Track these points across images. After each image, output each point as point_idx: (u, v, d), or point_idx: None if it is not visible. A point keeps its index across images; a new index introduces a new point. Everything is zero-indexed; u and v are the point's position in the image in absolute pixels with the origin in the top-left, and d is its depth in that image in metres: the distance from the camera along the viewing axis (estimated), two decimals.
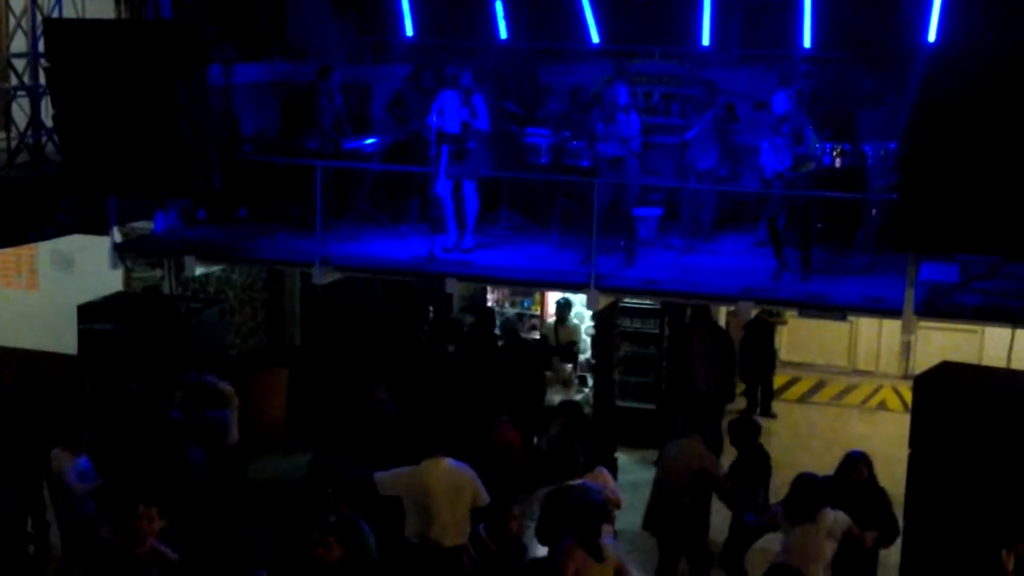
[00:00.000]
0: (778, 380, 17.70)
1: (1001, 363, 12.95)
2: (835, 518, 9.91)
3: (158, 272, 15.30)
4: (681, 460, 11.34)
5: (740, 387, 16.74)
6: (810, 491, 9.96)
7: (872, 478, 10.79)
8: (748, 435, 11.67)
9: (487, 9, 15.57)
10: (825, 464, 11.33)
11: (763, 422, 16.09)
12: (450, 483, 10.27)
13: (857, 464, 10.75)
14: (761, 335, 16.58)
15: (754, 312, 13.12)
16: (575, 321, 16.54)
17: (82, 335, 14.08)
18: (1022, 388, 11.09)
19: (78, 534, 11.19)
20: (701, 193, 14.07)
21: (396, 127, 14.86)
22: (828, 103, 14.29)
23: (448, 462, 10.35)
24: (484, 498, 10.32)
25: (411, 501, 10.30)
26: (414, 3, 15.78)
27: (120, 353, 13.70)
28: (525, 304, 17.02)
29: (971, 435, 10.86)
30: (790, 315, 16.31)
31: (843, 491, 10.37)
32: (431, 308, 16.30)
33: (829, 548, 9.86)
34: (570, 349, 16.42)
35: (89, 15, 14.09)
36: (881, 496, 10.68)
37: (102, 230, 13.92)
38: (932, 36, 13.04)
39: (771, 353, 16.93)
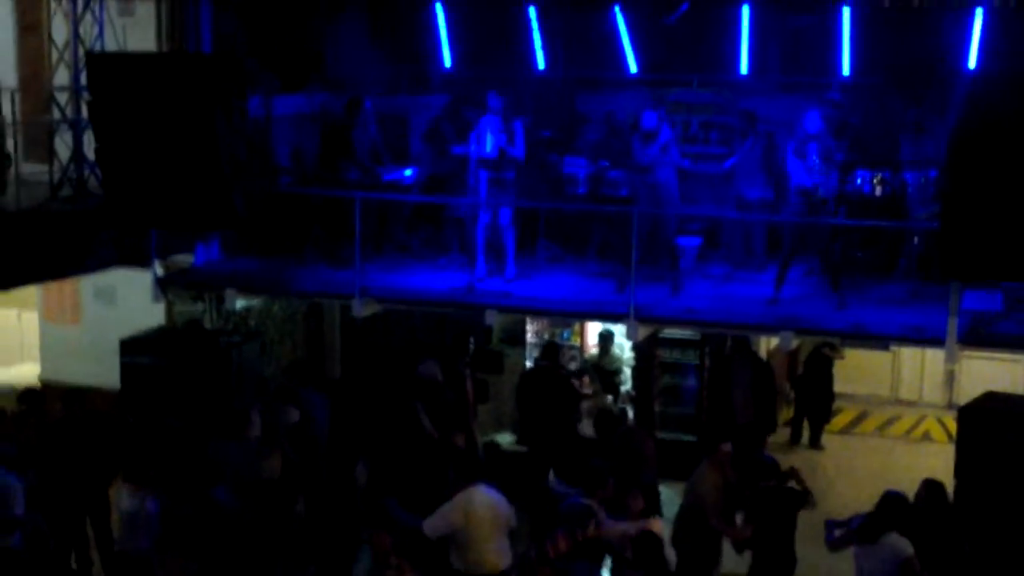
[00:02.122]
0: None
1: None
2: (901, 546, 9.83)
3: (200, 306, 15.33)
4: (692, 484, 11.54)
5: (785, 416, 16.67)
6: (893, 509, 9.92)
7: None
8: (766, 474, 11.58)
9: (524, 39, 15.62)
10: (869, 496, 11.18)
11: (809, 455, 16.14)
12: (491, 509, 10.39)
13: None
14: (819, 369, 16.50)
15: (795, 343, 13.02)
16: (616, 352, 16.46)
17: (125, 369, 14.11)
18: None
19: (129, 571, 11.18)
20: (752, 223, 14.01)
21: (433, 157, 14.88)
22: (863, 131, 14.21)
23: (484, 489, 10.40)
24: (515, 521, 10.48)
25: (457, 533, 10.32)
26: (452, 34, 15.86)
27: (163, 387, 13.73)
28: (564, 335, 16.98)
29: (1017, 465, 10.73)
30: None
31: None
32: (472, 340, 16.27)
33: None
34: (612, 380, 16.35)
35: (131, 48, 14.24)
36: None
37: (144, 263, 14.00)
38: (972, 63, 12.96)
39: (829, 387, 16.82)
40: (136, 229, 13.42)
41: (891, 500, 10.16)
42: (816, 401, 16.74)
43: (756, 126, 14.09)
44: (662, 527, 10.85)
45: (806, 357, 16.38)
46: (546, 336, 17.04)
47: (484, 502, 10.42)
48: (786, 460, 14.06)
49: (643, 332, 13.04)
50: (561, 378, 14.65)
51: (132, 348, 14.16)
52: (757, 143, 13.94)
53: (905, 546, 9.84)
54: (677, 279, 13.32)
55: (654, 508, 11.59)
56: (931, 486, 10.78)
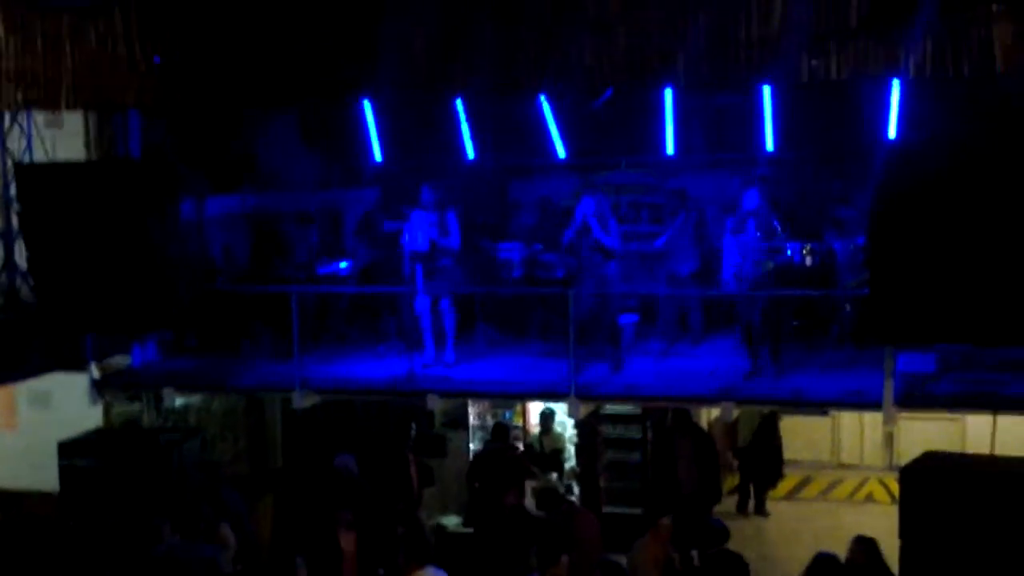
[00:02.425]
0: None
1: (984, 449, 13.01)
2: None
3: (137, 405, 15.22)
4: (632, 556, 11.66)
5: (730, 484, 16.75)
6: (824, 571, 10.01)
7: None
8: (713, 539, 11.70)
9: (454, 131, 15.80)
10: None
11: (756, 521, 16.23)
12: None
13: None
14: (768, 435, 16.63)
15: (735, 413, 13.19)
16: (558, 430, 16.50)
17: (63, 472, 13.94)
18: (1006, 474, 11.12)
19: None
20: (687, 298, 14.19)
21: (368, 248, 14.96)
22: (790, 204, 14.50)
23: (433, 571, 10.39)
24: None
25: None
26: (381, 128, 15.99)
27: (102, 489, 13.58)
28: (506, 416, 16.97)
29: (960, 523, 10.86)
30: None
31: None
32: (414, 424, 16.26)
33: None
34: (556, 458, 16.37)
35: (60, 156, 14.25)
36: None
37: (80, 367, 13.89)
38: (892, 132, 13.27)
39: (778, 453, 16.96)
40: (70, 334, 13.33)
41: (822, 561, 10.32)
42: (763, 467, 16.83)
43: (687, 203, 14.31)
44: None
45: (757, 424, 16.47)
46: (489, 418, 17.05)
47: None
48: (734, 527, 14.32)
49: (584, 410, 13.12)
50: (514, 459, 14.70)
51: (70, 450, 14.00)
52: (688, 220, 14.16)
53: None
54: (618, 356, 13.43)
55: None
56: (865, 543, 10.96)
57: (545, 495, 13.29)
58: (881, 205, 10.99)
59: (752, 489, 16.98)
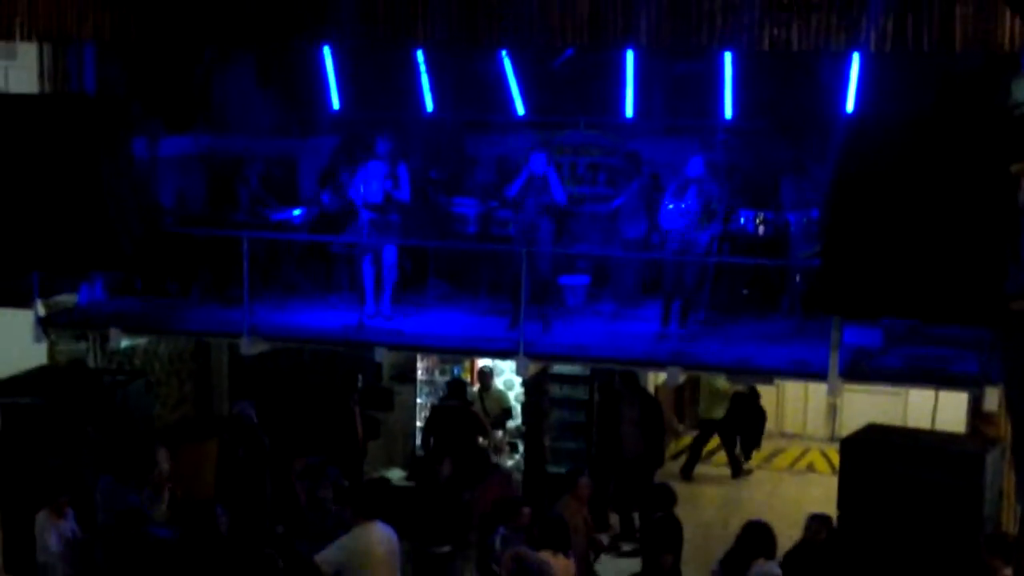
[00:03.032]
0: (710, 444, 17.83)
1: (926, 424, 13.17)
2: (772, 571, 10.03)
3: (83, 345, 15.11)
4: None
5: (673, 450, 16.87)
6: (756, 538, 10.13)
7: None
8: (662, 502, 11.80)
9: (413, 82, 15.73)
10: None
11: (692, 487, 16.38)
12: (388, 545, 10.38)
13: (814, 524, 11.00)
14: (749, 403, 16.80)
15: (682, 378, 13.25)
16: (499, 387, 16.52)
17: (4, 410, 13.82)
18: (945, 449, 11.26)
19: None
20: (633, 262, 14.21)
21: (330, 198, 14.87)
22: (746, 173, 14.54)
23: (380, 526, 10.39)
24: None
25: (351, 570, 10.27)
26: (340, 76, 15.87)
27: (43, 427, 13.48)
28: (455, 372, 16.99)
29: (898, 497, 10.99)
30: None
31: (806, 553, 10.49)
32: (360, 377, 16.24)
33: None
34: (503, 416, 16.41)
35: (12, 90, 14.06)
36: None
37: (25, 304, 13.75)
38: (850, 105, 13.31)
39: (759, 420, 17.18)
40: (17, 271, 13.18)
41: (754, 528, 10.46)
42: (745, 434, 17.05)
43: (640, 167, 14.31)
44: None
45: (734, 395, 16.66)
46: (437, 373, 17.06)
47: (382, 539, 10.39)
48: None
49: (533, 368, 13.13)
50: (472, 415, 14.75)
51: (12, 388, 13.88)
52: (641, 184, 14.15)
53: (775, 570, 10.07)
54: (547, 317, 13.42)
55: None
56: (822, 520, 11.08)
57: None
58: (838, 178, 11.04)
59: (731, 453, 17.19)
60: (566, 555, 10.57)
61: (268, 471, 13.22)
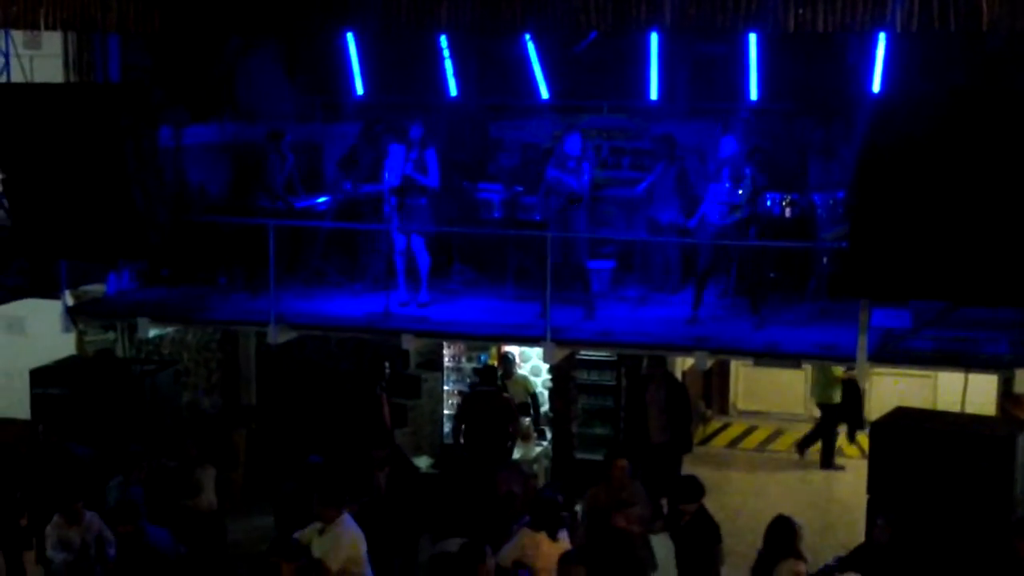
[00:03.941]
0: (735, 429, 17.73)
1: (955, 407, 13.07)
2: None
3: (111, 335, 15.16)
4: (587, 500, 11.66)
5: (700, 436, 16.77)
6: (783, 534, 10.01)
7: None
8: (691, 494, 11.64)
9: (437, 67, 15.72)
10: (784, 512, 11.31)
11: (724, 472, 16.28)
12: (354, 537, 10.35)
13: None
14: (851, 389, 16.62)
15: (709, 363, 13.16)
16: (522, 373, 16.47)
17: (35, 400, 13.91)
18: (975, 432, 11.19)
19: None
20: (666, 246, 14.16)
21: (349, 182, 14.87)
22: (769, 154, 14.45)
23: (347, 517, 10.34)
24: None
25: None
26: (364, 63, 15.87)
27: (74, 417, 13.54)
28: (482, 359, 16.96)
29: (928, 480, 10.93)
30: (745, 364, 16.37)
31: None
32: (387, 364, 16.24)
33: None
34: (531, 402, 16.39)
35: (38, 79, 14.09)
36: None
37: (53, 293, 13.82)
38: (877, 86, 13.22)
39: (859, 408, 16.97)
40: (45, 260, 13.24)
41: (778, 526, 10.26)
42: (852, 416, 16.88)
43: (674, 151, 14.23)
44: None
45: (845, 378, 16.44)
46: (464, 360, 17.04)
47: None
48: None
49: (559, 354, 13.11)
50: (505, 401, 14.71)
51: (43, 378, 13.98)
52: (671, 168, 14.08)
53: (802, 568, 9.97)
54: (591, 302, 13.39)
55: None
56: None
57: None
58: (865, 159, 10.98)
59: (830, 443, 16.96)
60: (553, 537, 10.40)
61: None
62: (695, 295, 13.22)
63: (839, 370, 16.09)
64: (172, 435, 12.91)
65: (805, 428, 18.20)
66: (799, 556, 10.05)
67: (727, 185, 12.95)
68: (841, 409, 16.74)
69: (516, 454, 14.80)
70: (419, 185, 13.51)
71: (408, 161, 13.42)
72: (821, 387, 16.86)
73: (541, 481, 15.59)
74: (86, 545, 10.85)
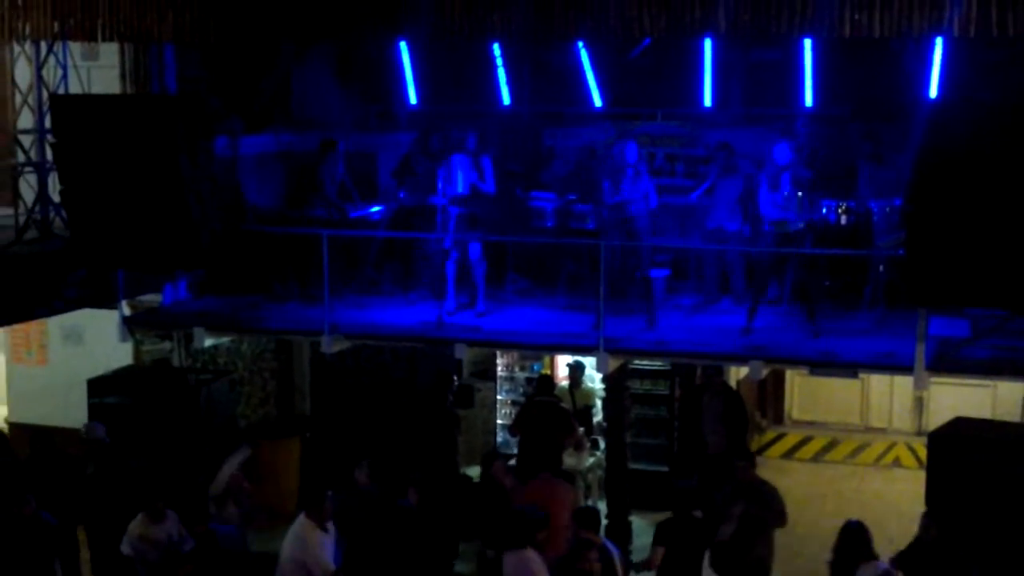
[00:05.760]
0: (790, 439, 17.58)
1: (1015, 417, 12.91)
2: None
3: (167, 345, 15.30)
4: None
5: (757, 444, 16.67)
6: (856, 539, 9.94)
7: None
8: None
9: (490, 76, 15.75)
10: (839, 523, 11.22)
11: (781, 481, 16.11)
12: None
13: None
14: None
15: (764, 372, 13.08)
16: (589, 384, 16.45)
17: (92, 409, 14.03)
18: None
19: None
20: (729, 256, 14.07)
21: (403, 190, 14.91)
22: (825, 160, 14.34)
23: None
24: None
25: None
26: (417, 72, 15.93)
27: (131, 427, 13.65)
28: (535, 368, 16.96)
29: (986, 491, 10.79)
30: (800, 374, 16.22)
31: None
32: (456, 378, 16.23)
33: None
34: (586, 412, 16.33)
35: (95, 91, 14.26)
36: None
37: (111, 304, 13.94)
38: (933, 92, 13.09)
39: None
40: (102, 270, 13.36)
41: (851, 530, 10.21)
42: None
43: (734, 159, 14.13)
44: None
45: None
46: (517, 369, 17.03)
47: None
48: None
49: (613, 364, 13.05)
50: (563, 411, 14.68)
51: (100, 388, 14.12)
52: (736, 177, 13.98)
53: (883, 567, 9.88)
54: (652, 312, 13.32)
55: None
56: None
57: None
58: (922, 165, 10.84)
59: None
60: (527, 548, 10.36)
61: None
62: (751, 305, 13.13)
63: None
64: (226, 445, 12.94)
65: (861, 439, 18.09)
66: (876, 558, 10.01)
67: (785, 192, 12.84)
68: None
69: (570, 463, 14.76)
70: (480, 193, 13.54)
71: (472, 170, 13.46)
72: None
73: (595, 492, 15.58)
74: (171, 541, 11.30)
